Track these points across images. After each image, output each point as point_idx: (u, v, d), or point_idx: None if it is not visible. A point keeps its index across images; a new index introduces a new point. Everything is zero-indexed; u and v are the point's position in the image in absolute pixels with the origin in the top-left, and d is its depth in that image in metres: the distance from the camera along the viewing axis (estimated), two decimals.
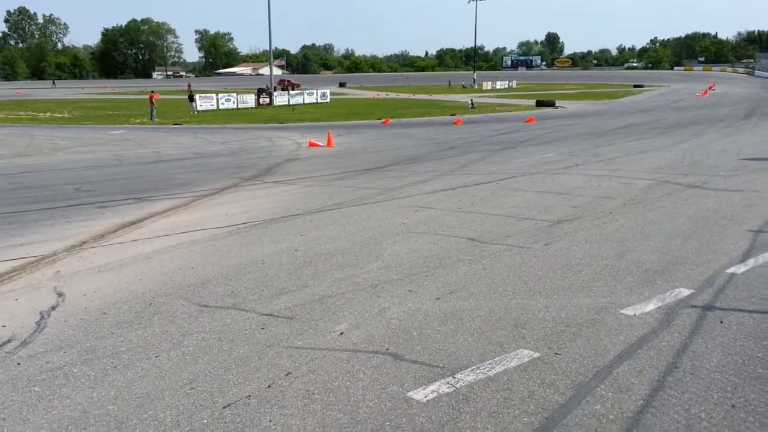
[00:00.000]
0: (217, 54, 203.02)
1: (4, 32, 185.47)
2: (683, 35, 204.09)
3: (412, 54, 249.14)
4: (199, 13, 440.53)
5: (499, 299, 5.72)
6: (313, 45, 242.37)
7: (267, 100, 49.72)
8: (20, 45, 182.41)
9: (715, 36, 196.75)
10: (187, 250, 7.70)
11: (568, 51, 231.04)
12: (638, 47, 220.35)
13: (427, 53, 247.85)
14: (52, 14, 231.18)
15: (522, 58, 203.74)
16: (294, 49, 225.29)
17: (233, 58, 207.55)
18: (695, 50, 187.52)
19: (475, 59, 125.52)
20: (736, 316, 5.19)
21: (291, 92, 55.58)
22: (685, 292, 5.78)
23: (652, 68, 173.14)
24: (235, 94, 48.83)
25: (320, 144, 21.45)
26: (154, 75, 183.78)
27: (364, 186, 12.58)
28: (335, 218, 9.42)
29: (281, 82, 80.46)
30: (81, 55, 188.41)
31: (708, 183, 11.72)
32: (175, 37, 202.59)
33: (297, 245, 7.82)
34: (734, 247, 7.26)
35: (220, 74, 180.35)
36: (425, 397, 3.96)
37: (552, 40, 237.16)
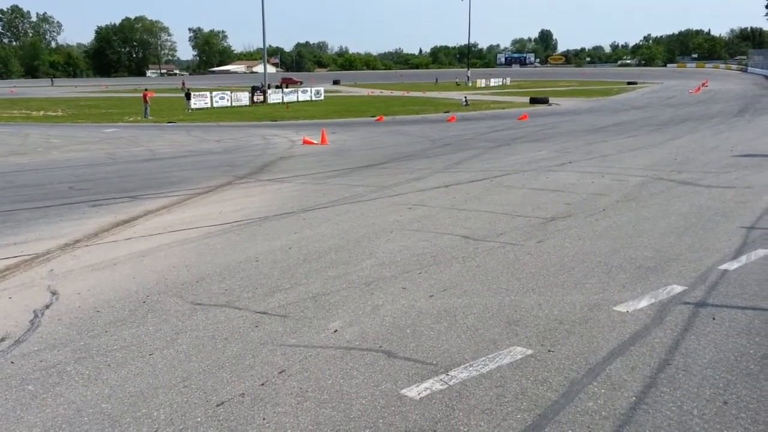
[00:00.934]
0: (211, 52, 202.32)
1: None
2: (676, 32, 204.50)
3: (406, 51, 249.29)
4: (193, 11, 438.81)
5: (492, 296, 5.73)
6: (307, 43, 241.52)
7: (261, 97, 49.61)
8: (14, 43, 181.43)
9: (708, 33, 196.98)
10: (180, 248, 7.69)
11: (561, 48, 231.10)
12: (631, 44, 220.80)
13: (421, 51, 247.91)
14: (45, 13, 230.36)
15: (516, 55, 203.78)
16: (288, 47, 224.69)
17: (227, 56, 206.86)
18: (688, 47, 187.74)
19: (469, 56, 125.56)
20: (728, 313, 5.21)
21: (285, 90, 55.42)
22: (678, 288, 5.81)
23: (645, 65, 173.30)
24: (229, 92, 48.65)
25: (314, 142, 21.43)
26: (148, 73, 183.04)
27: (358, 184, 12.58)
28: (329, 216, 9.42)
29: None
30: (75, 54, 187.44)
31: (701, 180, 11.76)
32: (169, 35, 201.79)
33: (291, 243, 7.82)
34: (727, 244, 7.30)
35: (214, 72, 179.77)
36: (418, 394, 3.98)
37: (545, 38, 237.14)
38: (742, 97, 46.79)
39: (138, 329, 5.13)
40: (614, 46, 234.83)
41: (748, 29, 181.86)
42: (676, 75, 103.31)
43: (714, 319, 5.09)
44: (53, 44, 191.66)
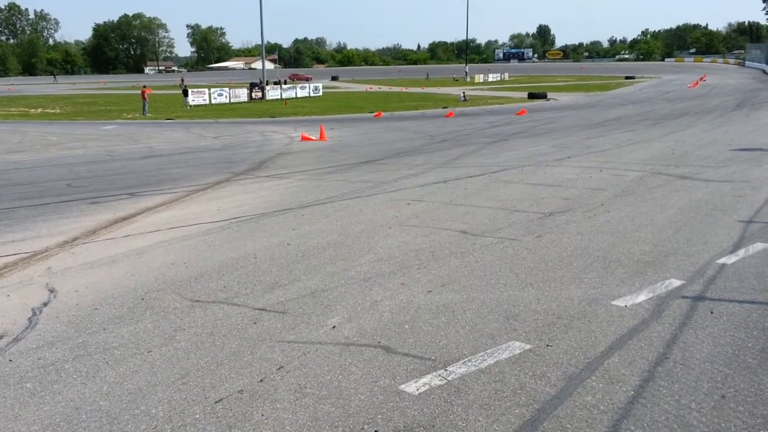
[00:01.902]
0: (210, 48, 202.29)
1: None
2: (674, 26, 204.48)
3: (405, 47, 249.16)
4: (191, 8, 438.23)
5: (490, 292, 5.73)
6: (305, 39, 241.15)
7: (259, 94, 49.58)
8: (11, 41, 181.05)
9: (706, 27, 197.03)
10: (179, 245, 7.68)
11: (559, 43, 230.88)
12: (629, 39, 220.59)
13: (419, 46, 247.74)
14: (42, 10, 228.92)
15: (514, 50, 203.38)
16: (286, 43, 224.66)
17: (225, 52, 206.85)
18: (686, 42, 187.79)
19: (467, 52, 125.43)
20: (726, 307, 5.22)
21: (283, 86, 55.39)
22: (676, 282, 5.81)
23: (643, 60, 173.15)
24: (227, 89, 48.65)
25: (313, 138, 21.40)
26: (146, 70, 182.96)
27: (356, 179, 12.57)
28: (327, 212, 9.41)
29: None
30: (72, 51, 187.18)
31: (699, 174, 11.76)
32: (167, 32, 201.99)
33: (289, 239, 7.81)
34: (725, 238, 7.30)
35: (212, 69, 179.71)
36: (417, 389, 3.98)
37: (543, 33, 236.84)
38: (740, 91, 46.77)
39: (136, 326, 5.13)
40: (612, 41, 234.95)
41: (746, 23, 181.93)
42: (674, 69, 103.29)
43: (712, 312, 5.09)
44: (51, 42, 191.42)
